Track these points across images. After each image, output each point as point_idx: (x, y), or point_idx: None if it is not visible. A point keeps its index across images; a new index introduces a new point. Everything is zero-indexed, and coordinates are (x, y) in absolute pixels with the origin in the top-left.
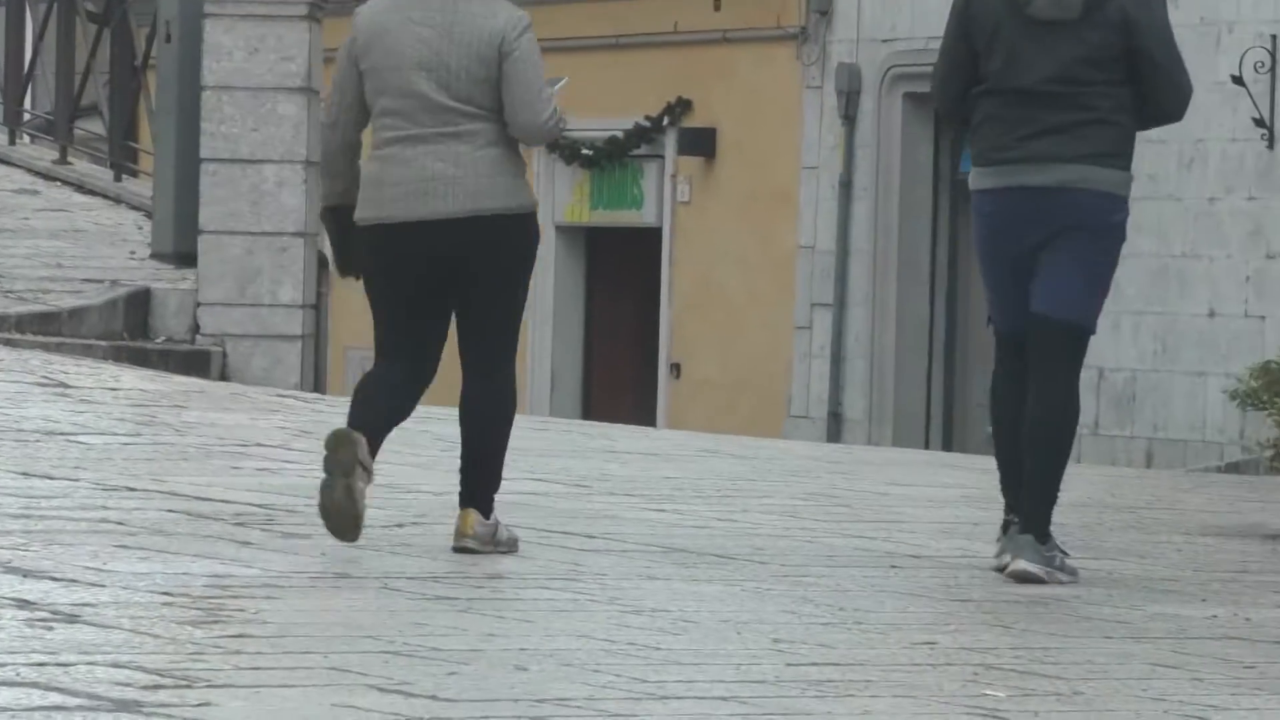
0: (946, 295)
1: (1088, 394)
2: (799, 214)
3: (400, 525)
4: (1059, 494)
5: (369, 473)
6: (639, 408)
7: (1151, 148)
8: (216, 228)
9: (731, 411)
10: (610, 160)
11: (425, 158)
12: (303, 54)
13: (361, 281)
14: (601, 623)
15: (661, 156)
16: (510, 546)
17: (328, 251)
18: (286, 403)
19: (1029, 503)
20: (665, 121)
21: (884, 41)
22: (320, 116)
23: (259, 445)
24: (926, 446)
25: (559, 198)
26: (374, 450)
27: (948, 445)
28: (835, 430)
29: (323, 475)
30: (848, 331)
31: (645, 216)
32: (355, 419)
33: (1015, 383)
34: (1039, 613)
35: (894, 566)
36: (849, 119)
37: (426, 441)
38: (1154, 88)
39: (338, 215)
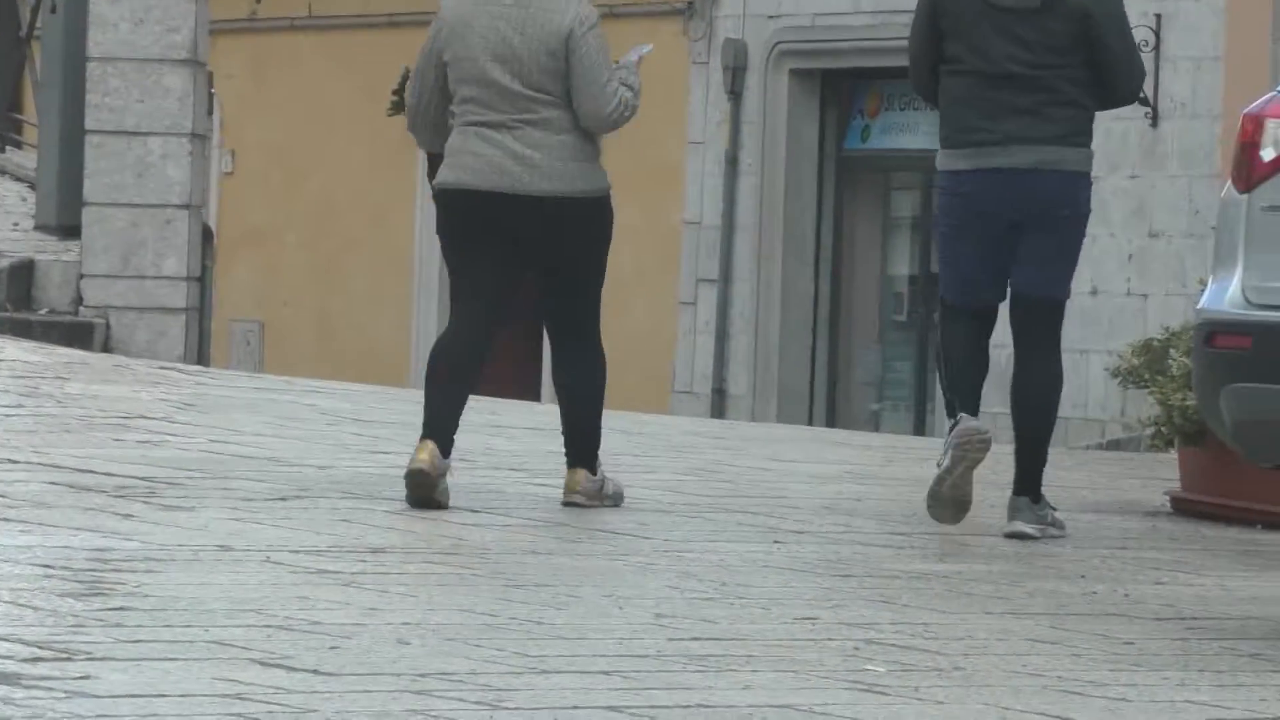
0: (831, 272)
1: None
2: (685, 189)
3: (283, 499)
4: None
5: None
6: (524, 382)
7: None
8: (101, 200)
9: (616, 386)
10: None
11: (507, 140)
12: (188, 25)
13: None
14: (484, 597)
15: None
16: (616, 500)
17: (212, 223)
18: (169, 375)
19: (1022, 467)
20: None
21: (770, 18)
22: (408, 98)
23: (142, 418)
24: (810, 423)
25: None
26: (452, 431)
27: (831, 422)
28: (719, 406)
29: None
30: (732, 307)
31: None
32: (431, 414)
33: (963, 337)
34: (919, 588)
35: (776, 542)
36: (735, 95)
37: (311, 415)
38: (1111, 74)
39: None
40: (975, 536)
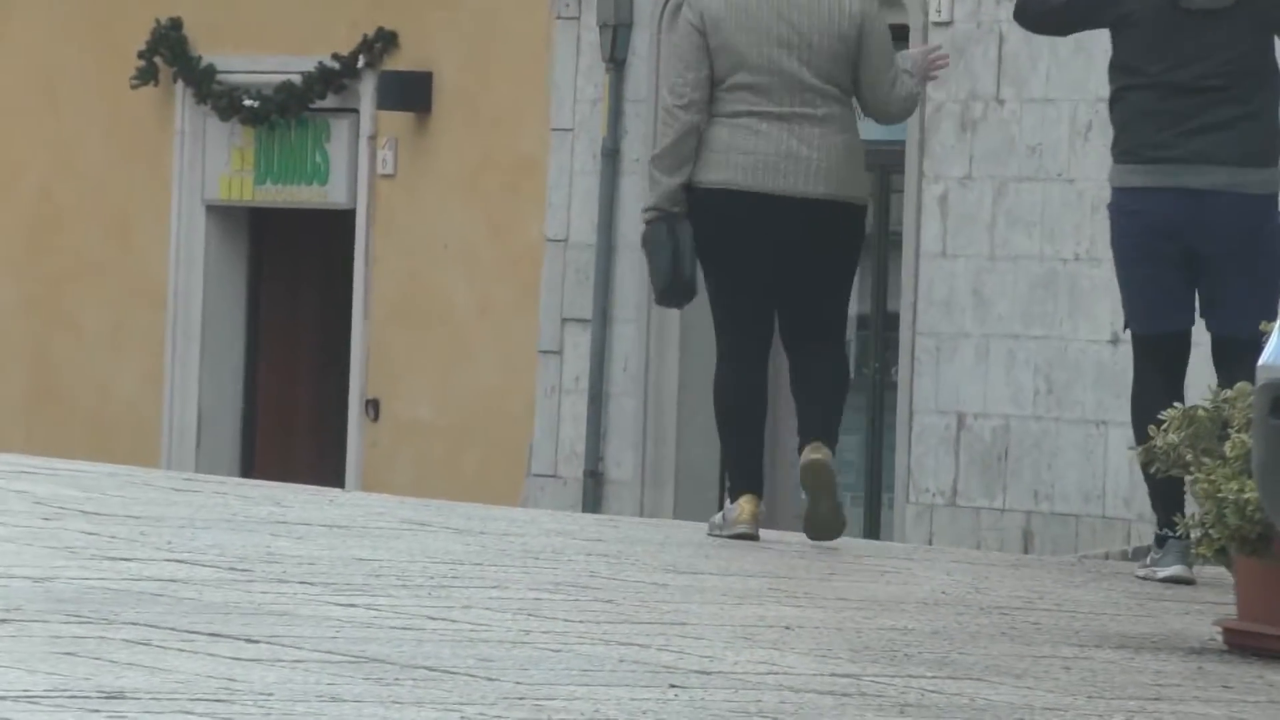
0: None
1: (944, 450)
2: (547, 194)
3: None
4: None
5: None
6: (321, 461)
7: (1034, 109)
8: None
9: (451, 468)
10: (284, 115)
11: (782, 133)
12: None
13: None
14: None
15: (355, 111)
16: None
17: None
18: None
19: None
20: (361, 62)
21: None
22: (668, 101)
23: None
24: None
25: (211, 166)
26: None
27: None
28: (594, 495)
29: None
30: (613, 359)
31: (332, 194)
32: (743, 419)
33: (1167, 397)
34: None
35: (674, 686)
36: (616, 63)
37: (22, 506)
38: None
39: (673, 228)
40: (951, 681)
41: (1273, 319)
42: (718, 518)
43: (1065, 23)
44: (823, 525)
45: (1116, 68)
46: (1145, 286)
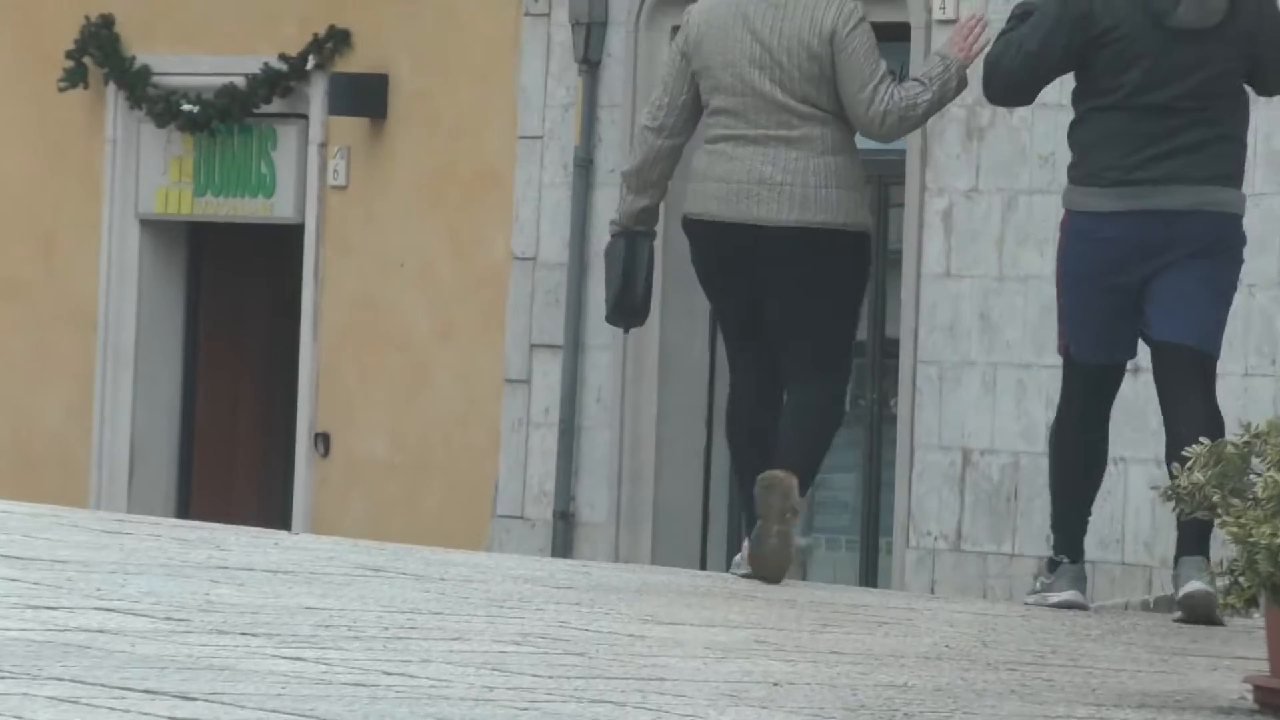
0: None
1: (948, 489)
2: (514, 208)
3: None
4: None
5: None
6: (265, 501)
7: (1046, 115)
8: None
9: (408, 508)
10: (225, 121)
11: (754, 158)
12: None
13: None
14: None
15: (304, 116)
16: (805, 552)
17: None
18: None
19: (1188, 525)
20: (310, 63)
21: None
22: (643, 120)
23: None
24: (703, 566)
25: (145, 177)
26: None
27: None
28: (565, 538)
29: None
30: (585, 389)
31: (279, 208)
32: (751, 454)
33: (1089, 430)
34: None
35: None
36: (590, 65)
37: None
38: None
39: (632, 245)
40: None
41: (1218, 336)
42: (738, 556)
43: (1041, 66)
44: (763, 560)
45: (1083, 89)
46: (1091, 318)
